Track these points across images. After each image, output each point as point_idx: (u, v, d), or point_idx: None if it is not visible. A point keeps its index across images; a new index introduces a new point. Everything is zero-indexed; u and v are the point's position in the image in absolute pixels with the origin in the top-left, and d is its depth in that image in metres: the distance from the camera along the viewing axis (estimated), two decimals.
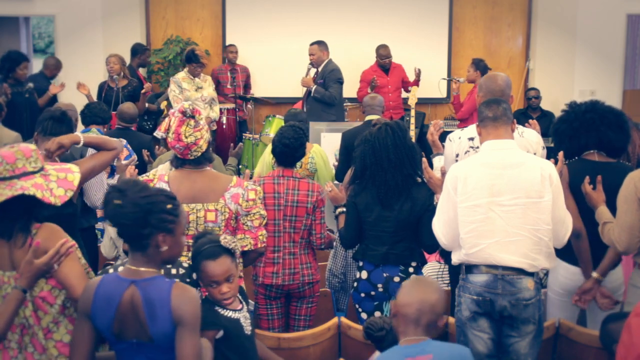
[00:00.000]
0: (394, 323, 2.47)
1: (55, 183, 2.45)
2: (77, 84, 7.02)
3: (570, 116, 3.44)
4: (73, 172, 2.54)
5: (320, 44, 6.88)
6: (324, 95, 6.67)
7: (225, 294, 2.52)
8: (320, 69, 6.83)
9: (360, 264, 3.38)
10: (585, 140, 3.35)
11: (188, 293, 2.20)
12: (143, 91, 7.14)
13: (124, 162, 4.40)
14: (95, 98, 6.93)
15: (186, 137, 2.89)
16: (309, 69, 6.93)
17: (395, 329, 2.48)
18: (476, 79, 7.16)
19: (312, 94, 6.75)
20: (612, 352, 2.86)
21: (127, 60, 7.61)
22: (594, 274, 3.17)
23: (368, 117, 5.36)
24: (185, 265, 2.64)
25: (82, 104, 5.61)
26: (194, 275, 2.61)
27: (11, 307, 2.29)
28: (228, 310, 2.55)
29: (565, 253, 3.26)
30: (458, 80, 7.29)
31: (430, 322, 2.40)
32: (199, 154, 2.95)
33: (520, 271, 2.83)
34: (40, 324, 2.44)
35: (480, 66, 7.15)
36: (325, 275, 4.09)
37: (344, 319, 3.12)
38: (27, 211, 2.41)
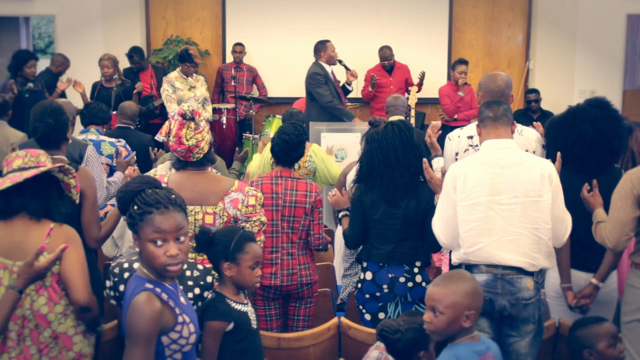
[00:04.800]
0: (449, 328, 2.35)
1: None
2: (72, 82, 7.01)
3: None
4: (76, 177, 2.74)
5: None
6: None
7: (259, 277, 2.60)
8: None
9: (364, 264, 3.37)
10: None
11: (142, 305, 2.07)
12: (135, 91, 7.19)
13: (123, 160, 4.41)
14: (88, 97, 6.96)
15: (187, 140, 2.87)
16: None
17: (435, 332, 2.38)
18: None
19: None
20: (581, 357, 2.88)
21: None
22: (593, 280, 3.14)
23: (391, 118, 5.30)
24: (200, 267, 2.63)
25: (76, 102, 5.62)
26: (209, 278, 2.61)
27: (7, 307, 2.30)
28: (238, 304, 2.57)
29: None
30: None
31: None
32: (201, 155, 2.94)
33: (520, 270, 2.83)
34: (49, 316, 2.51)
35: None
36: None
37: (344, 319, 3.11)
38: (52, 197, 2.60)
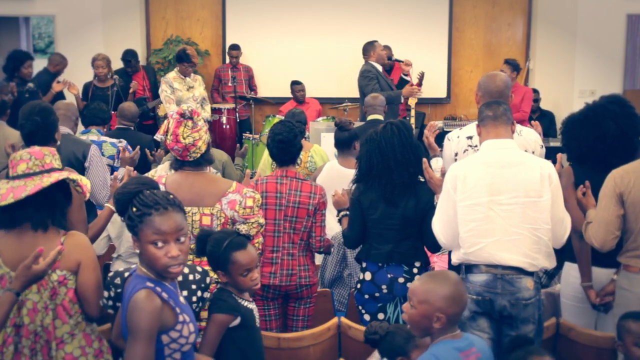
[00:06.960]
0: (420, 323, 2.35)
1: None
2: (67, 84, 6.97)
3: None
4: (82, 178, 2.63)
5: None
6: None
7: (256, 279, 2.59)
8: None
9: (364, 265, 3.37)
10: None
11: (142, 301, 2.08)
12: (131, 90, 7.18)
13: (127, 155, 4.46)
14: (81, 98, 6.94)
15: (184, 138, 2.88)
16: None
17: (415, 329, 2.40)
18: None
19: None
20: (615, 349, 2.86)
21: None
22: (615, 277, 3.12)
23: (370, 117, 5.33)
24: (199, 269, 2.63)
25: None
26: (207, 279, 2.61)
27: (3, 309, 2.25)
28: (245, 300, 2.59)
29: (574, 254, 3.25)
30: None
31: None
32: (198, 155, 2.94)
33: (520, 270, 2.83)
34: (55, 333, 2.44)
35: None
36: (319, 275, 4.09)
37: (344, 319, 3.11)
38: (59, 204, 2.47)
